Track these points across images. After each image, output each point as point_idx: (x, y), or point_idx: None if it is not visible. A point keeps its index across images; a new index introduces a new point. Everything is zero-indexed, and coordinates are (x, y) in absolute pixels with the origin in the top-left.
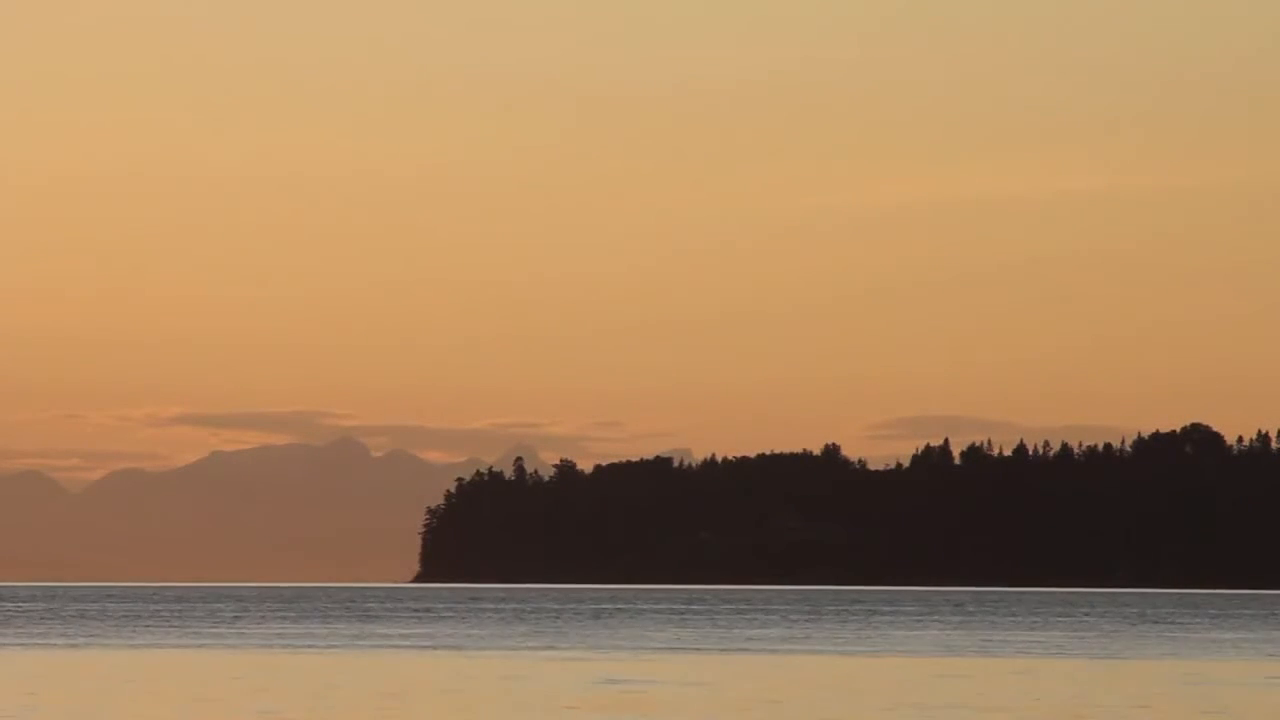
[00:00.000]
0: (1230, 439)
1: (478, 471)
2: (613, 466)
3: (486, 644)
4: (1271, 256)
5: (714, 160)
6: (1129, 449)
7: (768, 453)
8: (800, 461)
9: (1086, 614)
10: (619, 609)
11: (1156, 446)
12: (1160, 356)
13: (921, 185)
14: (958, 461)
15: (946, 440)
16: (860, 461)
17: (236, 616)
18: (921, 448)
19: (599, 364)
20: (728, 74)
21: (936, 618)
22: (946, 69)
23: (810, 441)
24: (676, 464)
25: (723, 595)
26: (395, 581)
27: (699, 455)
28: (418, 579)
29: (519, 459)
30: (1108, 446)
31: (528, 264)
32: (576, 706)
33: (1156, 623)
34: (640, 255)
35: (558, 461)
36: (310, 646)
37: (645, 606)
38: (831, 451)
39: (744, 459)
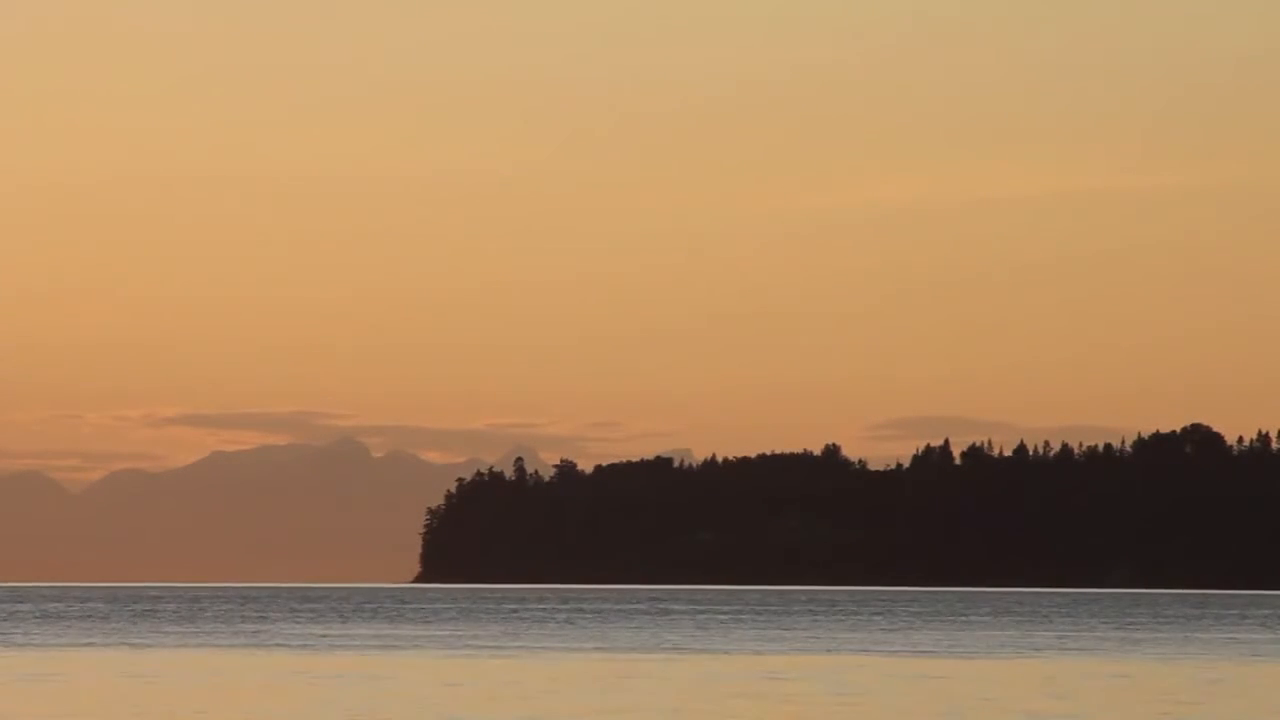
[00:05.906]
0: (1230, 439)
1: (478, 471)
2: (612, 466)
3: (485, 644)
4: (1272, 257)
5: (713, 161)
6: (1129, 449)
7: (768, 453)
8: (800, 461)
9: (1083, 613)
10: (619, 609)
11: (1156, 446)
12: (1160, 356)
13: (921, 186)
14: (958, 461)
15: (946, 440)
16: (860, 461)
17: (235, 616)
18: (921, 448)
19: (598, 365)
20: (728, 76)
21: (933, 617)
22: (947, 69)
23: (810, 441)
24: (676, 464)
25: (723, 595)
26: (395, 581)
27: (699, 455)
28: (418, 579)
29: (519, 459)
30: (1108, 446)
31: (527, 265)
32: (575, 706)
33: (1154, 623)
34: (640, 256)
35: (558, 461)
36: (309, 647)
37: (645, 606)
38: (831, 451)
39: (744, 459)
